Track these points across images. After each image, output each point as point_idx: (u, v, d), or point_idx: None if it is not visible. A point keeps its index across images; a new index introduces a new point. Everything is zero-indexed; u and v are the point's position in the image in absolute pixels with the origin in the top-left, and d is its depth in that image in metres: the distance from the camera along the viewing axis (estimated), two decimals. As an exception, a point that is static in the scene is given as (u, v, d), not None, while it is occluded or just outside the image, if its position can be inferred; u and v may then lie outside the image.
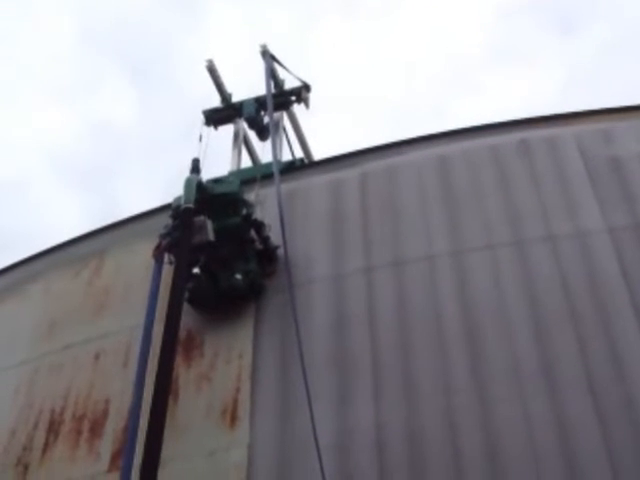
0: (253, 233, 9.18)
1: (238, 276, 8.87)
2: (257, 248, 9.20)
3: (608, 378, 7.67)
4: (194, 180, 8.60)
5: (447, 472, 7.41)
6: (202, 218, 8.54)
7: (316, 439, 7.41)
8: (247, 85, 13.96)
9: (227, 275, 8.91)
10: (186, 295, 8.55)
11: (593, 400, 7.52)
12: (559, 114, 10.03)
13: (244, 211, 9.14)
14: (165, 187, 34.36)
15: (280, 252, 9.22)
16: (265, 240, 9.24)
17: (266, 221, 9.33)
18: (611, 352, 7.80)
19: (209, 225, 8.56)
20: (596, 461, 7.16)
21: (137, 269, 9.69)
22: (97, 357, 9.44)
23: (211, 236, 8.54)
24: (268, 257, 9.26)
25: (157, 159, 36.67)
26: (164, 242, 8.61)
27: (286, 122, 13.11)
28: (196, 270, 8.80)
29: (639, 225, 8.67)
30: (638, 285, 8.19)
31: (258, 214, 9.31)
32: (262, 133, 12.57)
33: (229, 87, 12.87)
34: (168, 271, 8.41)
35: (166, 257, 8.65)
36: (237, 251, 9.03)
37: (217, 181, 9.38)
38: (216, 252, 8.85)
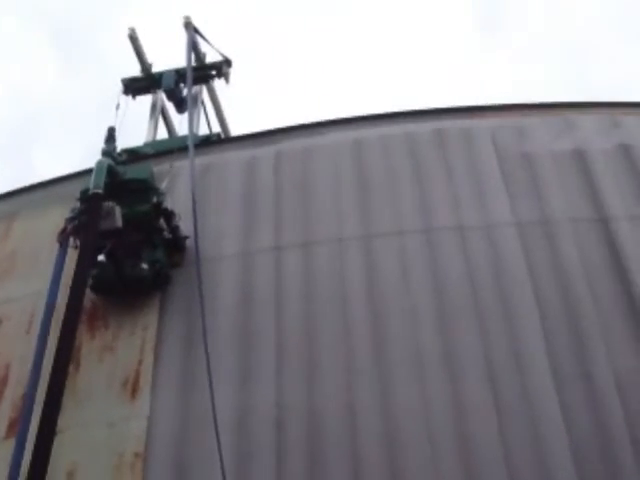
0: (162, 222, 9.02)
1: (144, 266, 8.70)
2: (165, 237, 9.05)
3: (507, 369, 7.85)
4: (105, 164, 8.45)
5: (345, 452, 7.49)
6: (111, 204, 8.34)
7: (215, 415, 7.41)
8: (169, 57, 13.79)
9: (133, 264, 8.74)
10: (89, 282, 8.44)
11: (491, 389, 7.68)
12: (475, 106, 10.16)
13: (154, 199, 8.96)
14: (82, 154, 33.84)
15: (189, 242, 9.08)
16: (174, 230, 9.08)
17: (178, 200, 9.27)
18: (511, 344, 7.97)
19: (117, 211, 8.37)
20: (491, 447, 7.35)
21: (46, 235, 9.51)
22: (0, 322, 9.31)
23: (119, 222, 8.35)
24: (176, 247, 9.13)
25: (75, 126, 36.12)
26: (70, 226, 8.45)
27: (205, 96, 13.04)
28: (101, 257, 8.56)
29: (546, 221, 8.87)
30: (542, 280, 8.40)
31: (169, 203, 9.20)
32: (180, 105, 12.49)
33: (150, 58, 12.77)
34: (72, 255, 8.30)
35: (71, 241, 8.50)
36: (145, 239, 8.86)
37: (131, 152, 9.30)
38: (123, 239, 8.63)
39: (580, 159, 9.50)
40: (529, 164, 9.42)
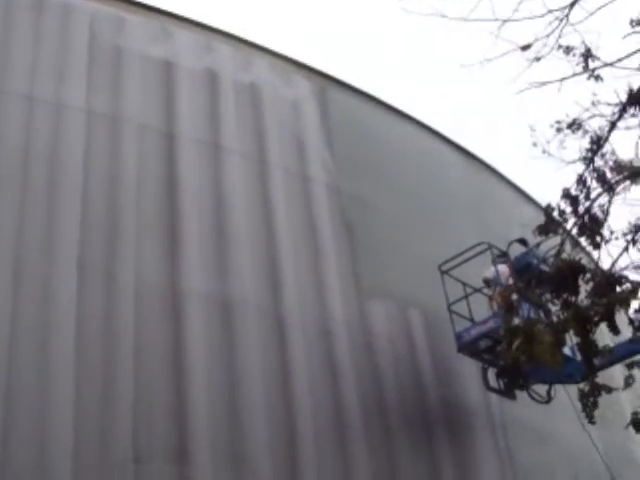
0: None
1: None
2: None
3: (35, 253, 7.82)
4: None
5: None
6: None
7: None
8: None
9: None
10: None
11: (15, 272, 7.64)
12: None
13: None
14: None
15: None
16: None
17: None
18: (47, 226, 7.96)
19: None
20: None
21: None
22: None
23: None
24: None
25: None
26: None
27: None
28: None
29: (116, 118, 8.92)
30: (94, 172, 8.43)
31: None
32: None
33: None
34: None
35: None
36: None
37: None
38: None
39: (167, 70, 9.63)
40: (118, 59, 9.36)
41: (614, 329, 6.29)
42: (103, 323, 7.76)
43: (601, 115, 7.12)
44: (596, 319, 6.16)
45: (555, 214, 7.02)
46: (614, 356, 7.81)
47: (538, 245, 7.78)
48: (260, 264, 8.91)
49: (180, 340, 8.03)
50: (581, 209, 6.91)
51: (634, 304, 6.90)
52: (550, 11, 7.23)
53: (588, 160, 7.06)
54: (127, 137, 8.84)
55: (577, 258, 6.62)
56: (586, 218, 6.92)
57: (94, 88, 8.98)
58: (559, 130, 7.35)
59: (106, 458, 7.20)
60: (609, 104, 7.06)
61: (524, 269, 8.64)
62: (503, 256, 9.57)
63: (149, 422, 7.51)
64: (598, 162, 7.11)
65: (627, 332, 7.80)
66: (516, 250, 9.51)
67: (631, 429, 8.28)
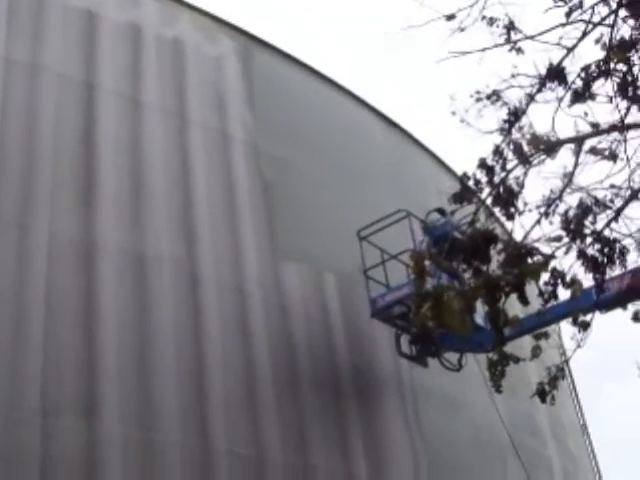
0: None
1: None
2: None
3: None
4: None
5: None
6: None
7: None
8: None
9: None
10: None
11: None
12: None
13: None
14: None
15: None
16: None
17: None
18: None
19: None
20: None
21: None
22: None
23: None
24: None
25: None
26: None
27: None
28: None
29: (35, 66, 8.72)
30: (9, 120, 8.23)
31: None
32: None
33: None
34: None
35: None
36: None
37: None
38: None
39: (90, 21, 9.45)
40: (39, 8, 9.15)
41: (524, 300, 6.37)
42: (14, 275, 7.63)
43: (520, 87, 7.19)
44: (506, 289, 6.24)
45: (471, 183, 7.08)
46: (523, 327, 7.93)
47: (453, 213, 7.86)
48: (176, 221, 8.86)
49: (92, 295, 7.93)
50: (496, 180, 6.99)
51: (544, 276, 7.02)
52: (475, -20, 7.24)
53: (505, 131, 7.12)
54: (46, 86, 8.67)
55: (490, 228, 6.69)
56: (501, 189, 7.00)
57: (14, 35, 8.76)
58: (478, 100, 7.40)
59: (13, 412, 7.06)
60: (528, 76, 7.13)
61: (442, 238, 8.73)
62: (424, 227, 9.62)
63: (58, 377, 7.39)
64: (515, 134, 7.18)
65: (537, 304, 7.94)
66: (435, 219, 9.58)
67: (536, 399, 8.47)
